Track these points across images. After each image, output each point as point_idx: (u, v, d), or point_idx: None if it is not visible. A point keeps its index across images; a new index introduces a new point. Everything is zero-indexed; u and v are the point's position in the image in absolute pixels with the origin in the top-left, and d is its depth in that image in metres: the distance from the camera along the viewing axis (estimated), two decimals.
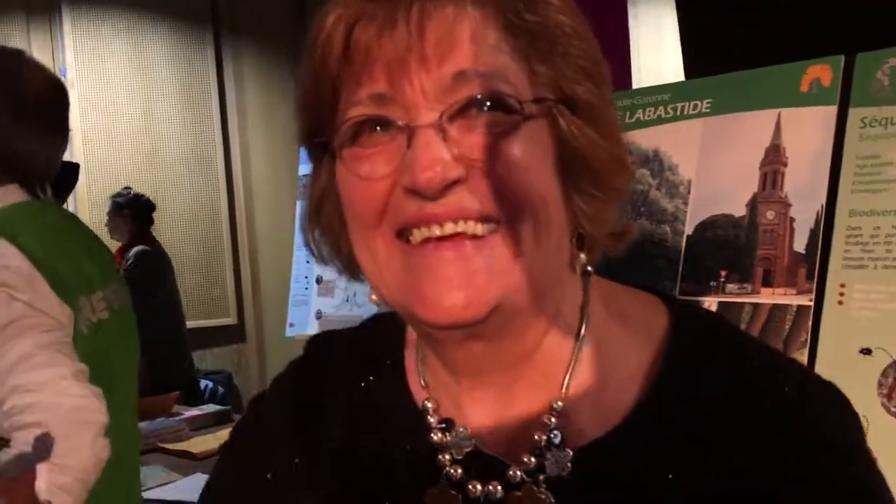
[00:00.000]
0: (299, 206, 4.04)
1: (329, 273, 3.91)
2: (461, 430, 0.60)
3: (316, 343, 0.73)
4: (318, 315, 3.96)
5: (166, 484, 2.25)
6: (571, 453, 0.56)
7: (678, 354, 0.58)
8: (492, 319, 0.52)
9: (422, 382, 0.64)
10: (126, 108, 4.76)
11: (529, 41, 0.53)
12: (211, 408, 3.08)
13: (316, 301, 3.95)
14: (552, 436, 0.57)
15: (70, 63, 4.47)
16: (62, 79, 1.46)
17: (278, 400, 0.70)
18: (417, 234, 0.53)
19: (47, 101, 1.40)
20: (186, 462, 2.43)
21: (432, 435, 0.60)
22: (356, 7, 0.54)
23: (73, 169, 3.03)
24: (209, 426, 2.85)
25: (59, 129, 1.43)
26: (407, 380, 0.65)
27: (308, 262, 4.03)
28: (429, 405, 0.62)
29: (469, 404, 0.61)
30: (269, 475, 0.66)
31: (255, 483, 0.67)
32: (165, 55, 4.87)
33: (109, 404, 1.29)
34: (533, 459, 0.57)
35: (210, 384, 4.50)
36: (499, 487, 0.57)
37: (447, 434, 0.60)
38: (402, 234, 0.54)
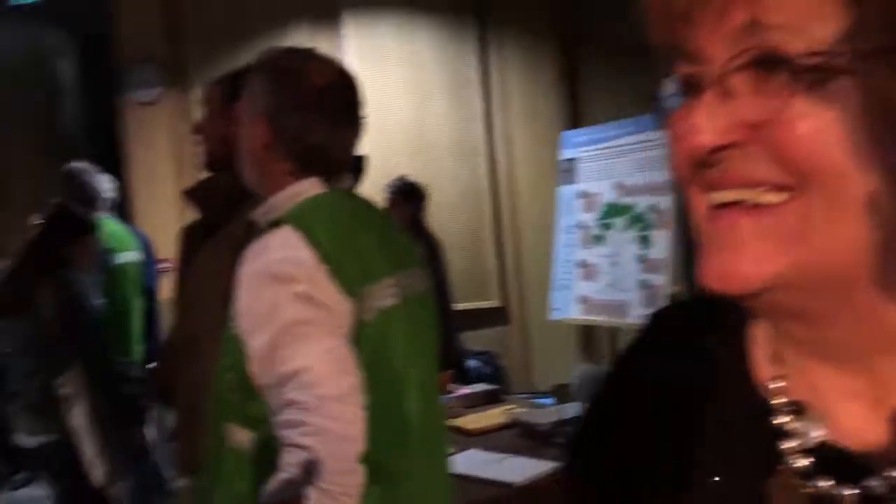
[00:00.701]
0: (561, 192, 4.08)
1: (592, 258, 3.90)
2: (813, 417, 0.53)
3: (663, 312, 0.69)
4: (582, 299, 3.97)
5: None
6: None
7: None
8: (779, 297, 0.48)
9: (769, 358, 0.57)
10: (397, 103, 5.08)
11: None
12: (481, 387, 3.19)
13: (579, 285, 3.97)
14: None
15: (352, 65, 4.84)
16: (350, 72, 1.48)
17: (628, 376, 0.67)
18: (710, 198, 0.51)
19: (337, 95, 1.42)
20: (461, 438, 2.54)
21: (776, 418, 0.55)
22: None
23: (361, 161, 3.29)
24: (480, 404, 2.95)
25: (350, 121, 1.45)
26: (751, 352, 0.59)
27: (570, 246, 4.06)
28: (775, 384, 0.56)
29: (822, 390, 0.54)
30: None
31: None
32: (434, 50, 5.12)
33: (402, 389, 1.35)
34: None
35: (477, 364, 4.68)
36: (856, 492, 0.50)
37: (795, 419, 0.54)
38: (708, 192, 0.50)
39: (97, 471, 2.76)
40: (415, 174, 4.63)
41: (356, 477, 1.22)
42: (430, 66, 5.15)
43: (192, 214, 5.22)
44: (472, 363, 4.65)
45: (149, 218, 5.26)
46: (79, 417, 2.73)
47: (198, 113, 5.68)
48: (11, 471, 4.82)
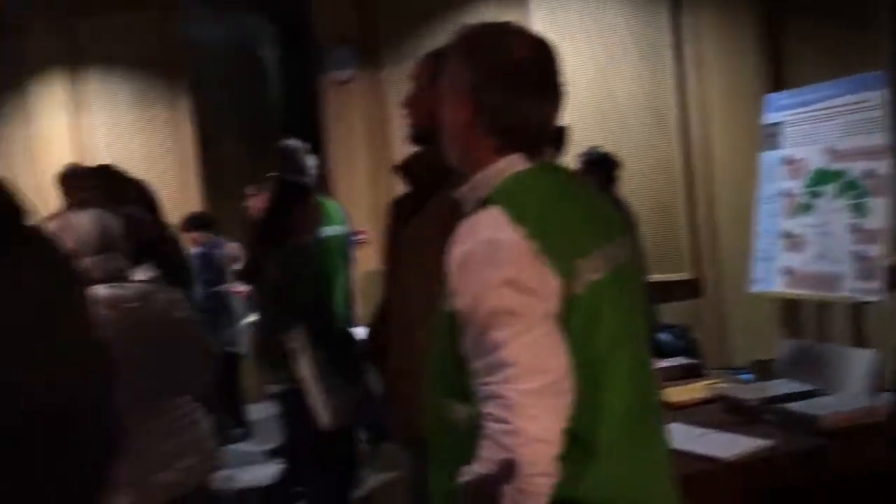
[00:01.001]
0: (763, 159, 3.87)
1: (798, 227, 3.69)
2: None
3: None
4: (786, 271, 3.77)
5: None
6: None
7: None
8: None
9: None
10: (586, 71, 5.02)
11: None
12: (680, 360, 3.12)
13: (782, 256, 3.77)
14: None
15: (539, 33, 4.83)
16: (548, 43, 1.45)
17: None
18: None
19: (537, 67, 1.40)
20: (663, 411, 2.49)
21: None
22: None
23: (562, 132, 3.29)
24: (678, 378, 2.88)
25: (551, 94, 1.43)
26: None
27: (773, 216, 3.85)
28: None
29: None
30: None
31: None
32: (623, 15, 5.00)
33: (611, 361, 1.33)
34: None
35: (668, 337, 4.57)
36: None
37: None
38: None
39: (322, 416, 3.03)
40: (604, 143, 4.56)
41: (551, 479, 1.23)
42: (620, 32, 5.04)
43: (385, 188, 5.44)
44: (662, 336, 4.55)
45: (344, 192, 5.54)
46: (304, 369, 3.01)
47: (390, 91, 5.91)
48: (232, 425, 5.27)
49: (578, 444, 1.29)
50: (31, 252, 0.96)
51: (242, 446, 5.24)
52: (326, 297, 3.31)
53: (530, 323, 1.24)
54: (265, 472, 4.61)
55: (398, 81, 5.33)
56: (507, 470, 1.20)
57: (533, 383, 1.22)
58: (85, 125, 6.08)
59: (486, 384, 1.25)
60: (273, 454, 4.85)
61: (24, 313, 0.91)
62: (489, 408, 1.23)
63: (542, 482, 1.23)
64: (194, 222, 5.45)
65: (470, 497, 1.26)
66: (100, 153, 5.86)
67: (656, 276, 4.73)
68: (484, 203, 1.35)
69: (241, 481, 4.61)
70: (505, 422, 1.21)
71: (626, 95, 5.04)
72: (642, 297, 1.52)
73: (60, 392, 0.94)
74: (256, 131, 6.97)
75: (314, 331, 3.04)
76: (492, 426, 1.23)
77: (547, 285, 1.27)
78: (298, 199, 3.27)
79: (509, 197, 1.33)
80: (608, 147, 4.48)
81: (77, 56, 6.03)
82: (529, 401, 1.21)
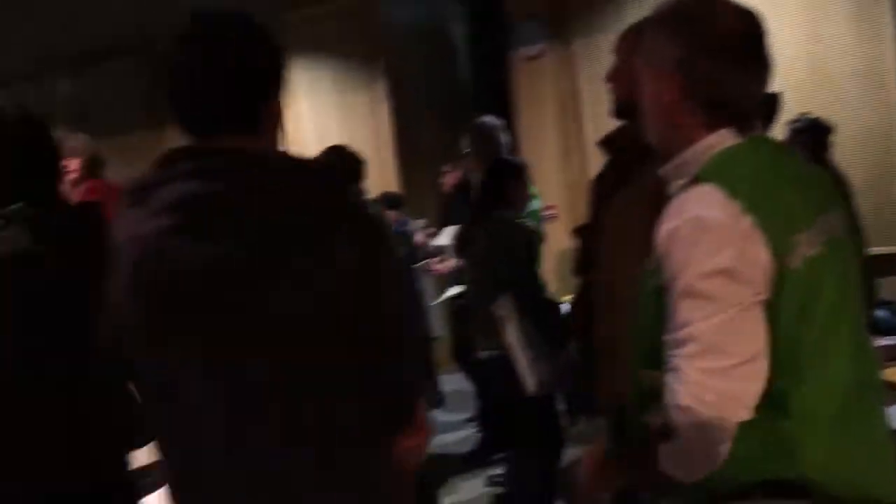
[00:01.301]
0: None
1: None
2: None
3: None
4: None
5: None
6: None
7: None
8: None
9: None
10: (791, 31, 4.73)
11: None
12: None
13: None
14: None
15: None
16: (753, 10, 1.40)
17: None
18: None
19: (745, 38, 1.37)
20: (887, 391, 2.35)
21: None
22: None
23: (775, 101, 3.15)
24: None
25: (760, 65, 1.39)
26: None
27: None
28: None
29: None
30: None
31: None
32: None
33: (833, 337, 1.30)
34: None
35: (885, 314, 4.28)
36: None
37: None
38: None
39: (528, 382, 3.13)
40: (813, 109, 4.29)
41: (713, 464, 1.24)
42: None
43: (575, 163, 5.40)
44: (879, 313, 4.26)
45: (534, 167, 5.56)
46: (511, 336, 3.11)
47: (580, 65, 5.83)
48: (428, 394, 5.48)
49: (795, 422, 1.27)
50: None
51: (438, 414, 5.45)
52: (533, 267, 3.39)
53: (725, 306, 1.24)
54: (462, 438, 4.80)
55: (588, 56, 5.28)
56: (672, 435, 1.24)
57: (713, 363, 1.22)
58: (293, 111, 6.48)
59: (671, 356, 1.27)
60: (469, 422, 5.02)
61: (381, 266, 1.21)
62: (669, 379, 1.26)
63: (700, 461, 1.25)
64: (388, 201, 5.67)
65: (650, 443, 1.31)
66: (308, 138, 6.24)
67: (873, 250, 4.41)
68: (695, 180, 1.33)
69: (439, 446, 4.81)
70: (678, 397, 1.23)
71: (838, 55, 4.70)
72: (859, 270, 1.46)
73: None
74: (447, 109, 7.12)
75: (521, 299, 3.14)
76: (668, 398, 1.25)
77: (756, 265, 1.25)
78: (513, 174, 3.38)
79: (722, 173, 1.31)
80: (819, 112, 4.21)
81: (284, 45, 6.42)
82: (709, 381, 1.22)
